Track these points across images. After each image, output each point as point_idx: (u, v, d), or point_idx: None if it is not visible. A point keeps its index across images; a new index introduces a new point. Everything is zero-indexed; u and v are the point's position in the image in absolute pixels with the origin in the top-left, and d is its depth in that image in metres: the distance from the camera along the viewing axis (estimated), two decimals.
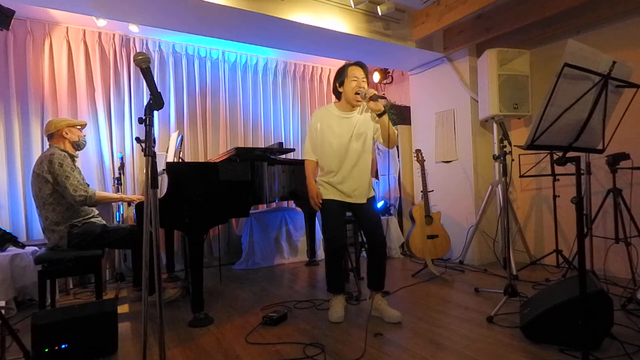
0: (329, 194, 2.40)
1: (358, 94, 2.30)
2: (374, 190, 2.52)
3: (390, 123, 2.30)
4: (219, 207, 2.44)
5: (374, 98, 2.21)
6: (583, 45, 1.39)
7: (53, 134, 2.61)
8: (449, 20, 3.28)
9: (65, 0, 2.60)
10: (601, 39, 3.16)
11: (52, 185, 2.46)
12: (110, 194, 3.18)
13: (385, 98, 2.22)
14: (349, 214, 2.58)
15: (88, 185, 2.60)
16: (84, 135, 2.76)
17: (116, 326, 2.00)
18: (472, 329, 2.15)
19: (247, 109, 4.44)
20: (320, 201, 2.38)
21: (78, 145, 2.69)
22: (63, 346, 1.82)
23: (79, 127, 2.72)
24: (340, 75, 2.39)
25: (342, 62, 4.55)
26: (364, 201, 2.43)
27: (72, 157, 2.61)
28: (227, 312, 2.59)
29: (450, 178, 4.03)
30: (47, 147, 3.23)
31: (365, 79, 2.36)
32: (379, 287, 2.42)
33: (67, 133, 2.62)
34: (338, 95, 2.45)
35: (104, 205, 3.29)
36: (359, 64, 2.39)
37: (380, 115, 2.25)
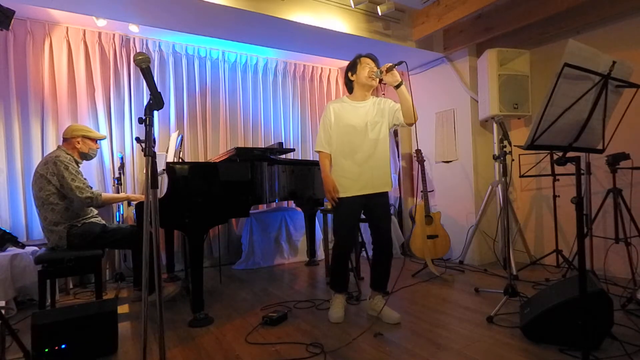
0: (347, 192, 2.32)
1: (372, 76, 2.29)
2: (391, 182, 2.43)
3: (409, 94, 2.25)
4: (219, 207, 2.44)
5: (389, 69, 2.20)
6: (583, 45, 1.39)
7: (66, 139, 2.65)
8: (449, 20, 3.28)
9: (65, 0, 2.60)
10: (601, 39, 3.16)
11: (55, 187, 2.47)
12: (116, 194, 3.17)
13: (403, 62, 2.15)
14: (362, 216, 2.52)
15: (91, 187, 2.62)
16: (97, 148, 2.78)
17: (116, 326, 2.00)
18: (472, 329, 2.15)
19: (247, 109, 4.44)
20: (337, 196, 2.32)
21: (85, 156, 2.71)
22: (63, 346, 1.82)
23: (95, 139, 2.74)
24: (353, 66, 2.40)
25: (342, 62, 4.60)
26: (383, 190, 2.37)
27: (77, 162, 2.64)
28: (227, 312, 2.59)
29: (450, 178, 4.03)
30: (49, 147, 3.29)
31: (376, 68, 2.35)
32: (382, 287, 2.42)
33: (78, 143, 2.64)
34: (350, 87, 2.44)
35: (105, 206, 3.29)
36: (370, 54, 2.40)
37: (397, 87, 2.24)
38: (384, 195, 2.41)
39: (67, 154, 2.59)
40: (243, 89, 4.41)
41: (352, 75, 2.40)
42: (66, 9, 2.74)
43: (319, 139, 2.43)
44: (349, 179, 2.32)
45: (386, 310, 2.32)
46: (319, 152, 2.41)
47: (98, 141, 2.81)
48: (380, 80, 2.32)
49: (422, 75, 4.32)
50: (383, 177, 2.36)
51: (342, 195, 2.33)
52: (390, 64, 2.20)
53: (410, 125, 2.31)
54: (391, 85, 2.26)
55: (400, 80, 2.23)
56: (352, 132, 2.33)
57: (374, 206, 2.37)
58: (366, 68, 2.33)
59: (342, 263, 2.40)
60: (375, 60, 2.38)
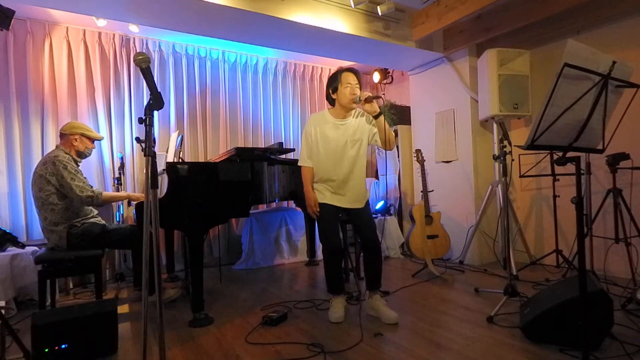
0: (325, 198, 2.40)
1: (354, 99, 2.30)
2: (368, 192, 2.52)
3: (387, 124, 2.32)
4: (219, 207, 2.44)
5: (368, 100, 2.23)
6: (583, 45, 1.39)
7: (64, 135, 2.65)
8: (449, 20, 3.28)
9: (65, 0, 2.60)
10: (601, 39, 3.16)
11: (55, 187, 2.47)
12: (117, 193, 3.16)
13: (380, 97, 2.22)
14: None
15: (92, 186, 2.62)
16: (93, 148, 2.78)
17: (116, 326, 2.00)
18: (472, 329, 2.15)
19: (247, 109, 4.44)
20: (318, 209, 2.38)
21: (81, 154, 2.71)
22: (63, 346, 1.82)
23: (92, 139, 2.74)
24: (334, 82, 2.39)
25: (342, 62, 4.60)
26: (361, 206, 2.44)
27: (76, 162, 2.64)
28: (227, 312, 2.59)
29: (450, 178, 4.02)
30: (49, 147, 3.29)
31: (358, 85, 2.36)
32: (376, 286, 2.43)
33: (76, 140, 2.64)
34: (332, 102, 2.45)
35: (105, 205, 3.29)
36: (351, 70, 2.39)
37: (376, 117, 2.27)
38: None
39: (66, 153, 2.58)
40: (243, 89, 4.42)
41: (333, 93, 2.41)
42: (66, 9, 2.74)
43: (301, 154, 2.47)
44: (329, 192, 2.41)
45: (385, 310, 2.33)
46: (301, 166, 2.45)
47: (95, 141, 2.80)
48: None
49: (422, 75, 4.32)
50: (361, 193, 2.44)
51: (320, 201, 2.39)
52: (369, 95, 2.24)
53: (388, 150, 2.39)
54: (370, 115, 2.30)
55: (378, 110, 2.26)
56: (332, 149, 2.38)
57: (353, 211, 2.44)
58: (347, 89, 2.32)
59: (334, 266, 2.41)
60: (356, 74, 2.38)
